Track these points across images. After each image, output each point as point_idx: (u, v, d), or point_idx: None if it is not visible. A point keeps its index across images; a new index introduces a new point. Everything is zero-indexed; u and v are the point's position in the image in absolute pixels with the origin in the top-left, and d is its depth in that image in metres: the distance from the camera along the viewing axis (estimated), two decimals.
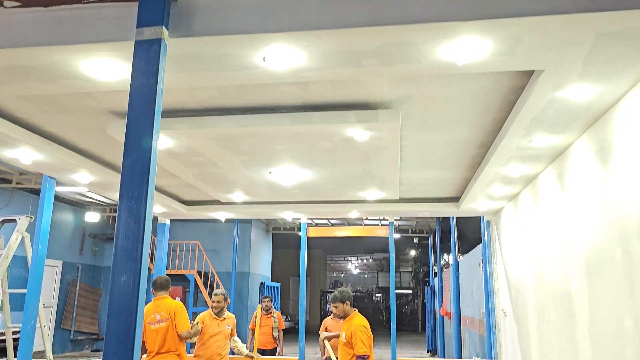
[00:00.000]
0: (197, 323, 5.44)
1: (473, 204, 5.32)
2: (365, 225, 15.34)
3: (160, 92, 1.92)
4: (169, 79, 2.24)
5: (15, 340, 4.88)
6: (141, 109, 1.90)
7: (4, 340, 9.94)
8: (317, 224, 15.96)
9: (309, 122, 3.11)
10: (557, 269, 3.62)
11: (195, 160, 4.03)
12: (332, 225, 15.21)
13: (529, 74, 2.56)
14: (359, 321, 4.78)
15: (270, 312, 8.54)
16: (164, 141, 3.46)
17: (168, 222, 6.49)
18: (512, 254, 5.14)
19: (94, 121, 3.37)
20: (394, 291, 6.05)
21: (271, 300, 8.56)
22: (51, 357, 4.80)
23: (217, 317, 5.73)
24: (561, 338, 3.55)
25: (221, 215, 6.17)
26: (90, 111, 3.20)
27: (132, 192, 1.84)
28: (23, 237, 4.63)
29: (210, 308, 5.76)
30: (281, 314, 21.31)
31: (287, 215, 6.16)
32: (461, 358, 9.69)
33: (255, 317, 8.53)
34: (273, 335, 8.36)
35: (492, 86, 2.75)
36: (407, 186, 5.03)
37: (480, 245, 7.53)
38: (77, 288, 15.48)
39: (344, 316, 4.93)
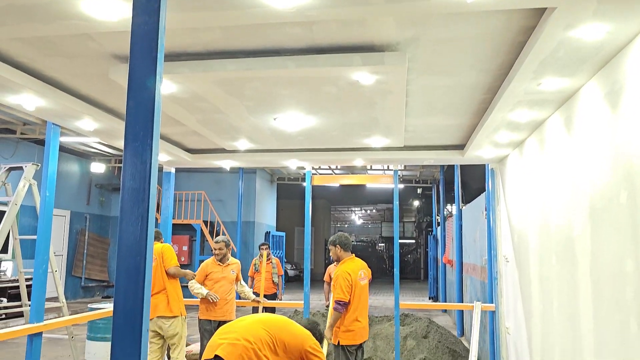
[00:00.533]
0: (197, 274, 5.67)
1: (478, 152, 5.30)
2: (369, 174, 15.40)
3: (163, 30, 1.88)
4: (170, 19, 2.19)
5: (28, 286, 5.02)
6: (144, 48, 1.86)
7: (17, 287, 10.23)
8: (321, 174, 16.02)
9: (314, 66, 3.06)
10: (561, 213, 3.64)
11: (199, 106, 4.00)
12: (336, 174, 15.26)
13: (540, 12, 2.49)
14: (344, 267, 4.90)
15: (269, 259, 8.76)
16: (167, 86, 3.42)
17: (173, 170, 6.51)
18: (516, 201, 5.16)
19: (96, 66, 3.32)
20: (397, 239, 6.13)
21: (269, 247, 8.78)
22: (64, 300, 4.94)
23: (221, 264, 5.87)
24: (562, 281, 3.62)
25: (226, 163, 6.18)
26: (92, 55, 3.15)
27: (137, 133, 1.83)
28: (30, 185, 4.67)
29: (214, 255, 5.89)
30: (286, 262, 21.67)
31: (292, 163, 6.17)
32: (462, 302, 9.92)
33: (255, 265, 8.74)
34: (273, 281, 8.60)
35: (502, 27, 2.68)
36: (412, 133, 5.00)
37: (483, 194, 7.56)
38: (86, 237, 15.76)
39: (337, 260, 5.05)
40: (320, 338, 3.46)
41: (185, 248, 16.29)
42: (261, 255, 8.67)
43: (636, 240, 2.49)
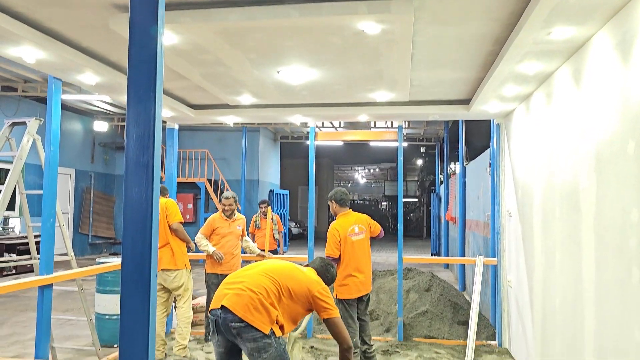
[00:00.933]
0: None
1: (484, 106, 5.24)
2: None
3: None
4: None
5: (37, 242, 5.08)
6: None
7: (26, 244, 10.39)
8: (325, 131, 15.96)
9: (318, 14, 2.99)
10: (566, 166, 3.63)
11: (202, 58, 3.94)
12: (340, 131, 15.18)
13: None
14: (334, 224, 5.01)
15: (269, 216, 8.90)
16: (168, 37, 3.36)
17: (177, 127, 6.49)
18: (521, 155, 5.14)
19: (96, 17, 3.25)
20: (401, 194, 6.14)
21: (268, 205, 8.88)
22: (72, 254, 5.01)
23: (228, 219, 5.93)
24: (565, 234, 3.64)
25: (229, 119, 6.14)
26: (92, 4, 3.08)
27: (140, 81, 1.80)
28: (34, 140, 4.67)
29: (221, 211, 5.94)
30: (290, 220, 21.81)
31: (296, 119, 6.12)
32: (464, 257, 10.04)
33: (255, 222, 8.86)
34: (274, 237, 8.75)
35: None
36: (417, 88, 4.94)
37: (487, 151, 7.53)
38: (92, 195, 15.88)
39: (334, 215, 5.12)
40: (331, 279, 3.48)
41: (190, 206, 16.43)
42: (263, 213, 8.77)
43: None
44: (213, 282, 5.71)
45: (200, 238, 5.84)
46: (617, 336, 2.74)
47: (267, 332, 2.88)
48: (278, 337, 2.95)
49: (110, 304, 6.01)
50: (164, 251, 5.26)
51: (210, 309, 3.07)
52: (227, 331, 2.94)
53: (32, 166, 12.51)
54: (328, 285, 3.42)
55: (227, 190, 15.78)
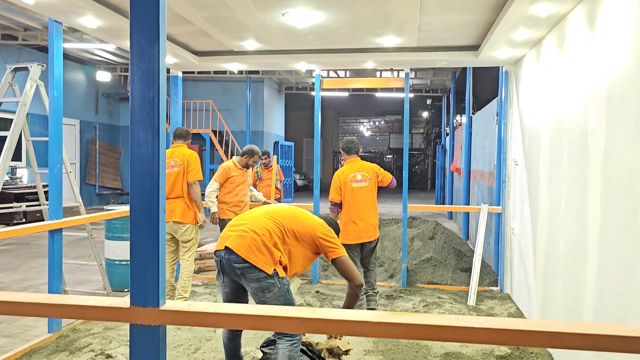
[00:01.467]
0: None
1: (493, 52, 5.13)
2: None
3: None
4: None
5: (45, 191, 5.12)
6: None
7: (34, 193, 10.51)
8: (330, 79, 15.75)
9: None
10: (576, 112, 3.58)
11: (205, 0, 3.84)
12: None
13: None
14: (338, 171, 5.21)
15: (270, 167, 8.95)
16: None
17: (180, 74, 6.41)
18: (530, 103, 5.07)
19: None
20: (407, 139, 6.09)
21: (269, 156, 8.94)
22: (80, 200, 5.07)
23: (242, 169, 6.04)
24: (572, 180, 3.63)
25: (233, 66, 6.05)
26: None
27: (144, 15, 1.75)
28: (38, 86, 4.63)
29: (261, 165, 6.21)
30: (295, 172, 21.86)
31: (301, 66, 6.03)
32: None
33: (257, 172, 8.91)
34: (276, 187, 8.86)
35: None
36: (425, 33, 4.82)
37: (495, 100, 7.43)
38: (97, 146, 15.91)
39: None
40: (335, 228, 3.49)
41: None
42: (264, 164, 8.81)
43: None
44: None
45: (212, 190, 5.86)
46: (619, 278, 2.78)
47: (270, 272, 2.92)
48: (282, 278, 2.98)
49: (119, 249, 6.13)
50: (178, 203, 5.17)
51: (215, 250, 3.12)
52: (232, 272, 2.99)
53: (36, 116, 12.49)
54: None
55: (232, 141, 15.76)
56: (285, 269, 3.06)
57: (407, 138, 6.17)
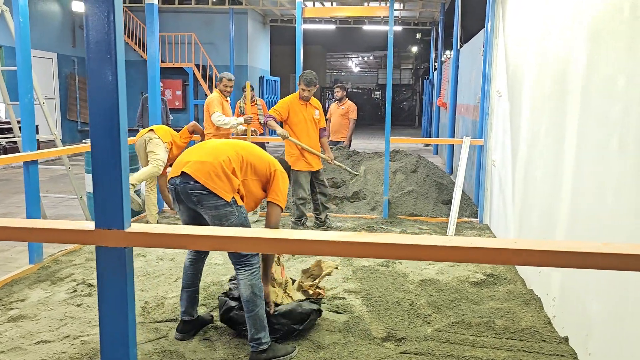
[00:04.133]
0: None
1: None
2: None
3: None
4: None
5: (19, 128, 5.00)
6: None
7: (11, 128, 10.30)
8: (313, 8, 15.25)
9: None
10: (560, 39, 3.49)
11: None
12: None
13: None
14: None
15: (254, 101, 8.83)
16: None
17: (156, 1, 6.12)
18: (515, 32, 4.95)
19: None
20: (390, 75, 5.97)
21: (253, 89, 8.82)
22: (55, 132, 4.96)
23: (225, 98, 6.13)
24: (552, 108, 3.60)
25: None
26: None
27: None
28: (3, 11, 4.40)
29: (223, 92, 6.14)
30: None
31: None
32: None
33: (240, 107, 8.77)
34: (260, 122, 8.77)
35: None
36: None
37: (482, 31, 7.25)
38: (77, 81, 15.48)
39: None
40: (286, 169, 3.40)
41: (178, 92, 16.14)
42: (245, 98, 8.67)
43: (632, 56, 2.40)
44: None
45: (223, 118, 5.98)
46: (591, 203, 2.81)
47: (228, 199, 2.84)
48: (240, 206, 2.92)
49: None
50: None
51: (169, 177, 2.98)
52: (187, 199, 2.88)
53: (8, 49, 12.03)
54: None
55: (216, 75, 15.39)
56: (242, 198, 2.99)
57: (391, 71, 6.03)
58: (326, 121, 5.72)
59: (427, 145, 16.54)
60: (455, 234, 5.53)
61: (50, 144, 13.50)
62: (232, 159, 2.92)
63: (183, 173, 2.87)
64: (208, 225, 2.94)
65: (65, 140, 14.87)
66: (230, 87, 6.05)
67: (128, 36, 15.46)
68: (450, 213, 5.71)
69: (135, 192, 5.54)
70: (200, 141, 6.30)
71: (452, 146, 10.45)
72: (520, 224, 4.45)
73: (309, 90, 5.41)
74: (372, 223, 5.90)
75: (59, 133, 14.95)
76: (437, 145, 14.44)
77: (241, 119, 5.99)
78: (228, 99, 6.14)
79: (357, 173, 6.61)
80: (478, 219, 6.08)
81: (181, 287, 3.24)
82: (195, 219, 2.99)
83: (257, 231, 1.72)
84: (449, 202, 6.51)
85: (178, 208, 3.01)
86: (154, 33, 6.15)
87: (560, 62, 3.45)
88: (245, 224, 2.93)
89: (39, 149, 4.35)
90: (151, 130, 5.34)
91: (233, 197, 2.87)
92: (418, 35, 27.42)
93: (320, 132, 5.68)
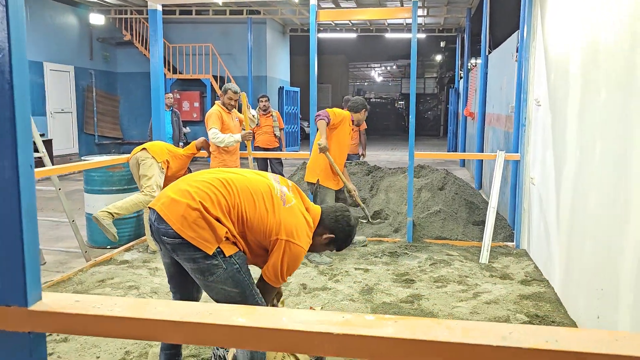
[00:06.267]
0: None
1: None
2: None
3: None
4: None
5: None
6: None
7: None
8: (328, 10, 14.77)
9: None
10: (617, 34, 2.88)
11: None
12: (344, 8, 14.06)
13: None
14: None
15: (269, 112, 8.29)
16: None
17: (159, 7, 5.69)
18: (558, 32, 4.33)
19: None
20: (414, 82, 5.40)
21: (268, 100, 8.25)
22: (44, 150, 4.51)
23: (228, 111, 5.63)
24: (611, 118, 2.98)
25: None
26: None
27: None
28: None
29: (226, 105, 5.58)
30: (302, 119, 21.17)
31: None
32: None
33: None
34: (275, 135, 8.21)
35: None
36: None
37: (514, 35, 6.63)
38: (94, 94, 15.29)
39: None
40: (344, 239, 2.52)
41: (196, 104, 15.81)
42: (263, 109, 8.16)
43: None
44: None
45: (220, 135, 5.33)
46: None
47: (210, 252, 2.22)
48: (229, 257, 2.28)
49: (99, 203, 5.63)
50: None
51: (150, 206, 2.41)
52: (162, 243, 2.33)
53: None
54: (337, 250, 2.58)
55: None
56: (236, 243, 2.35)
57: (414, 80, 5.45)
58: None
59: None
60: (489, 262, 4.89)
61: (69, 158, 13.29)
62: (219, 201, 2.27)
63: (157, 211, 2.31)
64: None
65: (83, 154, 14.64)
66: (235, 100, 5.48)
67: (145, 47, 15.23)
68: (484, 237, 5.07)
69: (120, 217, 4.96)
70: (207, 159, 5.81)
71: (481, 160, 9.76)
72: (567, 255, 3.80)
73: (363, 112, 5.14)
74: (395, 248, 5.30)
75: (76, 147, 14.78)
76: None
77: (238, 136, 5.35)
78: (231, 112, 5.57)
79: (372, 221, 5.87)
80: (514, 243, 5.42)
81: (160, 348, 2.68)
82: (178, 263, 2.41)
83: (223, 313, 1.16)
84: (480, 224, 5.87)
85: (159, 248, 2.45)
86: (158, 41, 5.72)
87: (620, 60, 2.83)
88: (237, 276, 2.29)
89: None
90: (144, 149, 4.88)
91: (218, 248, 2.25)
92: (442, 44, 26.78)
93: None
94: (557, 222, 4.14)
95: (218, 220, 2.25)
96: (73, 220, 4.70)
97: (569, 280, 3.77)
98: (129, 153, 5.11)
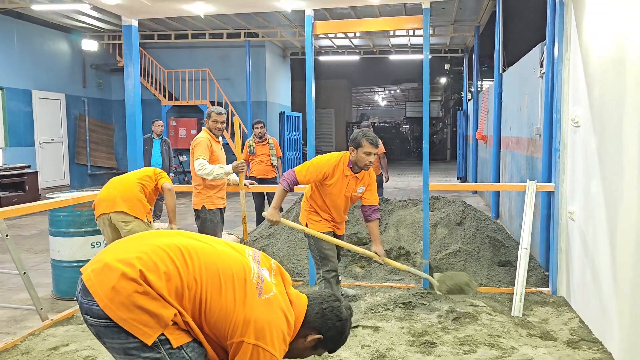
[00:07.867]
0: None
1: None
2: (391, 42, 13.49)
3: None
4: None
5: None
6: None
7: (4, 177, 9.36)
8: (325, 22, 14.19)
9: None
10: None
11: None
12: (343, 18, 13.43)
13: None
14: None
15: (265, 139, 7.54)
16: None
17: (135, 23, 5.01)
18: (602, 38, 3.60)
19: None
20: (427, 100, 4.69)
21: (264, 126, 7.49)
22: None
23: (217, 140, 4.83)
24: None
25: (197, 7, 4.62)
26: None
27: None
28: None
29: (213, 130, 4.79)
30: (304, 144, 20.49)
31: (286, 4, 4.58)
32: (499, 182, 8.66)
33: (249, 147, 7.54)
34: (271, 164, 7.44)
35: None
36: None
37: (535, 48, 5.92)
38: (87, 123, 14.69)
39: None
40: (332, 339, 1.85)
41: (193, 131, 15.14)
42: (258, 136, 7.43)
43: None
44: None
45: (208, 167, 4.52)
46: None
47: (149, 341, 1.57)
48: (178, 348, 1.61)
49: (65, 248, 4.88)
50: None
51: (81, 270, 1.76)
52: (87, 324, 1.68)
53: (10, 90, 11.28)
54: (328, 352, 1.92)
55: (232, 113, 14.37)
56: (188, 331, 1.68)
57: (427, 101, 4.74)
58: None
59: (462, 181, 15.01)
60: (523, 314, 4.06)
61: (59, 189, 12.58)
62: (169, 274, 1.63)
63: (82, 280, 1.68)
64: None
65: (75, 186, 13.96)
66: (222, 122, 4.67)
67: (141, 73, 14.66)
68: (515, 284, 4.25)
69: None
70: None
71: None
72: (632, 313, 2.99)
73: (374, 154, 3.79)
74: (409, 296, 4.48)
75: (67, 178, 14.08)
76: (476, 181, 12.90)
77: (229, 167, 4.57)
78: (220, 139, 4.83)
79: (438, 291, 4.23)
80: (549, 289, 4.59)
81: None
82: None
83: None
84: (506, 264, 5.06)
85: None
86: (133, 60, 5.02)
87: None
88: None
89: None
90: (122, 211, 4.29)
91: (162, 335, 1.59)
92: (447, 66, 26.23)
93: (367, 211, 4.04)
94: (612, 269, 3.34)
95: (162, 297, 1.60)
96: (25, 272, 3.92)
97: (636, 345, 2.95)
98: None
